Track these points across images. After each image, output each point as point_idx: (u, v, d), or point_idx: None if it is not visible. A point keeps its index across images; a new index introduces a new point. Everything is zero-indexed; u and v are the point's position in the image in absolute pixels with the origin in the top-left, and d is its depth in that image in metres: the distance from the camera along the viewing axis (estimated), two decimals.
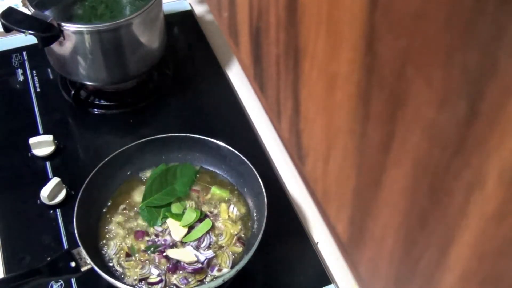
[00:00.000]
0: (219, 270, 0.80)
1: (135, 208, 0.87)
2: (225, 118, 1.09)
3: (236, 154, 0.87)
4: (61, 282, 0.82)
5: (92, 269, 0.75)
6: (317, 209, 0.94)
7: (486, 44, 0.20)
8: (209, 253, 0.81)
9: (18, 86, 1.12)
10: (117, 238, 0.83)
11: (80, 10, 1.05)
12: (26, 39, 1.14)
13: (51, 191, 0.90)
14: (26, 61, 1.17)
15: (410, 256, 0.29)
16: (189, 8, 1.32)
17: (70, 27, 0.93)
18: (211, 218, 0.85)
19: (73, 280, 0.83)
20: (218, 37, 1.25)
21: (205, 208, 0.87)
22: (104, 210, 0.86)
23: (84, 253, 0.75)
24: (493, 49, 0.19)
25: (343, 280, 0.86)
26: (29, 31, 0.90)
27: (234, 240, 0.83)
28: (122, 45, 0.99)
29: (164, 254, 0.81)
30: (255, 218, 0.85)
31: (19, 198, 0.94)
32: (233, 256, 0.82)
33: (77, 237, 0.76)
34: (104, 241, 0.83)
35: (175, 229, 0.83)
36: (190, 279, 0.79)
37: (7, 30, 0.93)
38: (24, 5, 1.06)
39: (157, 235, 0.83)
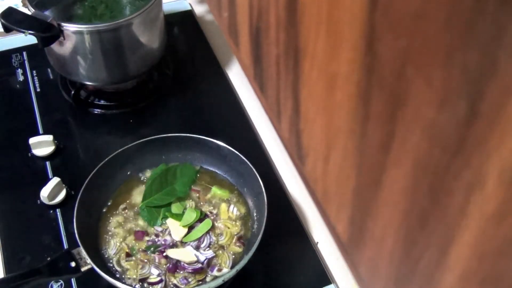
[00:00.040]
0: (219, 270, 0.80)
1: (135, 208, 0.87)
2: (225, 118, 1.09)
3: (236, 154, 0.87)
4: (61, 282, 0.82)
5: (92, 269, 0.75)
6: (317, 209, 0.94)
7: (486, 44, 0.20)
8: (209, 253, 0.81)
9: (18, 86, 1.12)
10: (117, 238, 0.83)
11: (80, 10, 1.05)
12: (26, 39, 1.14)
13: (51, 191, 0.90)
14: (26, 61, 1.17)
15: (410, 256, 0.29)
16: (189, 8, 1.32)
17: (70, 27, 0.93)
18: (211, 218, 0.85)
19: (73, 280, 0.83)
20: (218, 37, 1.24)
21: (205, 208, 0.87)
22: (104, 210, 0.86)
23: (84, 253, 0.75)
24: (493, 49, 0.19)
25: (343, 280, 0.86)
26: (29, 31, 0.90)
27: (234, 240, 0.83)
28: (122, 45, 0.99)
29: (164, 254, 0.81)
30: (255, 218, 0.85)
31: (19, 198, 0.94)
32: (233, 256, 0.82)
33: (77, 237, 0.76)
34: (104, 241, 0.83)
35: (175, 229, 0.83)
36: (190, 279, 0.78)
37: (7, 30, 0.93)
38: (24, 5, 1.06)
39: (157, 235, 0.83)
